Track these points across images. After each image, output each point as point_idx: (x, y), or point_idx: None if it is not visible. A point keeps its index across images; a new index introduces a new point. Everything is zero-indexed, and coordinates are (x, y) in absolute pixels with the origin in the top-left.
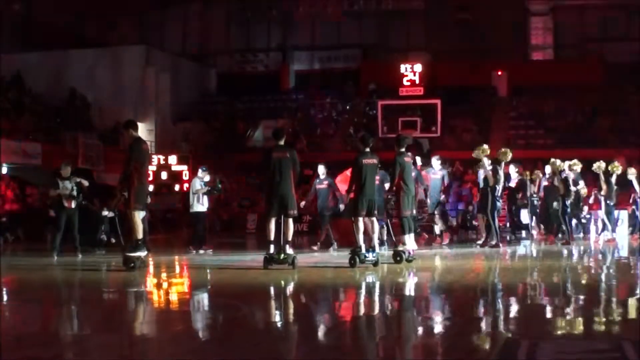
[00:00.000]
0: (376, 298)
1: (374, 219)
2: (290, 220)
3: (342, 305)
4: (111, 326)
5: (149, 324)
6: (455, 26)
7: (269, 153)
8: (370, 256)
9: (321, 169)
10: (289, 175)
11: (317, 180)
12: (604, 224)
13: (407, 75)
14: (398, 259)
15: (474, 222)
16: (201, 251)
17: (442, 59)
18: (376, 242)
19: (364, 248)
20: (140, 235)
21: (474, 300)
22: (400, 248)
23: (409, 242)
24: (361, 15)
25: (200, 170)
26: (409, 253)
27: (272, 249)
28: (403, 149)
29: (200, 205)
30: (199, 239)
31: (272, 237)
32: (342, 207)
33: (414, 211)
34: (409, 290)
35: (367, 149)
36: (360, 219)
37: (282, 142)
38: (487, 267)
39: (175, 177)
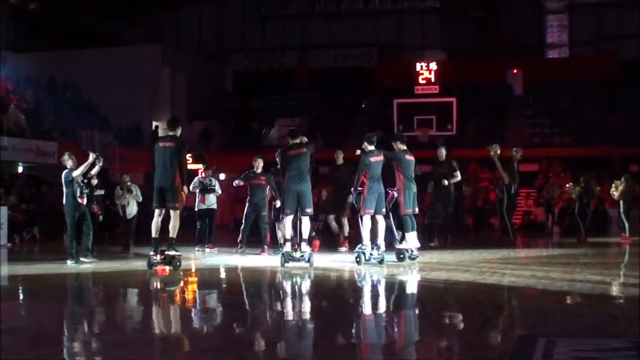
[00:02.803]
0: (390, 296)
1: (381, 216)
2: (307, 218)
3: (358, 303)
4: (115, 326)
5: (162, 324)
6: (470, 24)
7: (285, 152)
8: (376, 254)
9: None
10: (306, 172)
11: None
12: (623, 223)
13: (422, 74)
14: (401, 256)
15: (490, 221)
16: (206, 249)
17: (457, 57)
18: (382, 240)
19: (369, 246)
20: (170, 234)
21: (487, 299)
22: (402, 246)
23: (412, 240)
24: (377, 14)
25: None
26: (412, 251)
27: (288, 246)
28: (372, 147)
29: (201, 203)
30: (200, 236)
31: (288, 235)
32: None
33: (416, 209)
34: (421, 287)
35: (373, 147)
36: (368, 216)
37: (297, 141)
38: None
39: (191, 175)
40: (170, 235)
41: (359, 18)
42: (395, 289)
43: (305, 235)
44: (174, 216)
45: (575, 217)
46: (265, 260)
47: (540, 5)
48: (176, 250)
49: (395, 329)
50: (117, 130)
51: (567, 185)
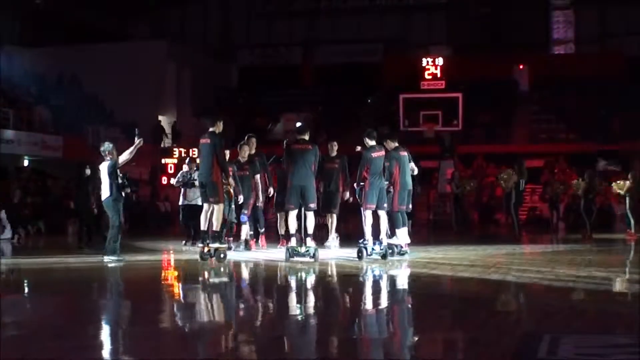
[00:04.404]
0: (394, 292)
1: (383, 211)
2: (311, 214)
3: (361, 298)
4: (121, 320)
5: (167, 319)
6: (476, 20)
7: (290, 146)
8: (378, 249)
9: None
10: (310, 167)
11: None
12: (629, 219)
13: (428, 69)
14: (390, 251)
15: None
16: (186, 246)
17: (463, 53)
18: (384, 234)
19: (371, 241)
20: (214, 227)
21: (492, 295)
22: (392, 241)
23: (402, 236)
24: (383, 10)
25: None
26: (401, 247)
27: (293, 241)
28: (373, 142)
29: (182, 198)
30: (187, 232)
31: (293, 230)
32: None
33: (410, 206)
34: (425, 283)
35: (374, 142)
36: (369, 212)
37: (305, 137)
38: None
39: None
40: (214, 228)
41: (365, 14)
42: (399, 284)
43: (310, 230)
44: (216, 210)
45: (581, 213)
46: (271, 254)
47: (546, 2)
48: (221, 243)
49: (400, 325)
50: (122, 125)
51: (574, 182)
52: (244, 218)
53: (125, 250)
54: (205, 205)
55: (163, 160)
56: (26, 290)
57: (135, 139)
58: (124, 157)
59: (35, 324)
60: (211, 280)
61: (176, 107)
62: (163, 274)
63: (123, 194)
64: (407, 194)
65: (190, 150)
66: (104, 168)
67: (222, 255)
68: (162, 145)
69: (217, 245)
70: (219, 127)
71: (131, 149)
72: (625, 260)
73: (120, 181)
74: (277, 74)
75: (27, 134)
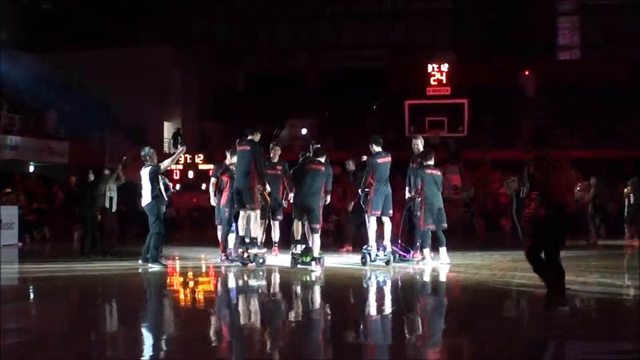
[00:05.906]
0: (399, 298)
1: (387, 218)
2: (317, 236)
3: (367, 304)
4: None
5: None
6: (482, 26)
7: (303, 165)
8: (382, 255)
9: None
10: (319, 188)
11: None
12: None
13: (434, 75)
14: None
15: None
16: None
17: (468, 58)
18: (388, 241)
19: (375, 247)
20: (252, 234)
21: (497, 301)
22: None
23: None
24: (388, 15)
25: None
26: (404, 256)
27: (298, 248)
28: (379, 148)
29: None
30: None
31: (298, 237)
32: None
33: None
34: (431, 289)
35: (380, 149)
36: (374, 218)
37: (321, 159)
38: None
39: (202, 175)
40: (252, 234)
41: (370, 19)
42: (404, 290)
43: (316, 253)
44: (253, 216)
45: (587, 219)
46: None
47: (551, 7)
48: (259, 248)
49: (405, 331)
50: (128, 130)
51: (578, 188)
52: (233, 226)
53: (130, 256)
54: (242, 212)
55: None
56: (31, 296)
57: (179, 146)
58: (166, 163)
59: (40, 331)
60: (222, 287)
61: (182, 112)
62: (170, 280)
63: (166, 198)
64: (434, 213)
65: (196, 155)
66: (145, 174)
67: (260, 261)
68: (167, 151)
69: (255, 250)
70: (257, 136)
71: (174, 156)
72: (630, 267)
73: (161, 185)
74: (282, 78)
75: (32, 140)
